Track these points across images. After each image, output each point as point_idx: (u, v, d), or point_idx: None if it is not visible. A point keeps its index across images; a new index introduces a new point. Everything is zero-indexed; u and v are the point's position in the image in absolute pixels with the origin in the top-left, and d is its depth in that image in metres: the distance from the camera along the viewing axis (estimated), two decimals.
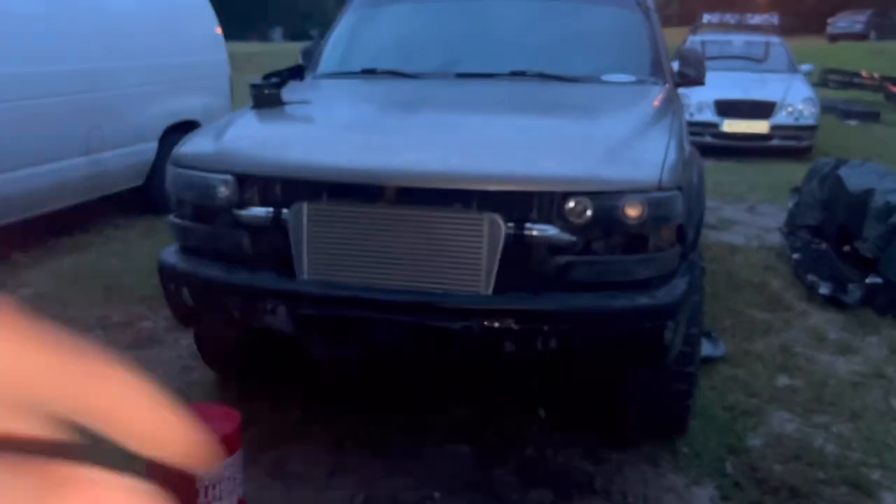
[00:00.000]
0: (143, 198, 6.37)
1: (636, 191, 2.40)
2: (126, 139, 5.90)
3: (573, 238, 2.44)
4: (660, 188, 2.42)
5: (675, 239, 2.54)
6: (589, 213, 2.41)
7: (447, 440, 3.06)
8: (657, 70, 3.68)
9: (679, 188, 2.48)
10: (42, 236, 5.53)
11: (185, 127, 6.23)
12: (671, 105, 3.27)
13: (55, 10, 5.34)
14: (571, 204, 2.42)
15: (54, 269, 4.99)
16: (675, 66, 3.93)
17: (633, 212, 2.39)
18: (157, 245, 5.46)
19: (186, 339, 3.90)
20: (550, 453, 2.97)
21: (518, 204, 2.45)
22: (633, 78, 3.58)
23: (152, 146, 6.23)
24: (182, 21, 6.70)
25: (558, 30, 3.92)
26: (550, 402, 3.31)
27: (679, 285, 2.52)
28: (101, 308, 4.34)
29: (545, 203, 2.45)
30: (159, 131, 6.29)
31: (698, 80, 3.85)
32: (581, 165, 2.47)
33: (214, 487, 2.19)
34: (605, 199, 2.41)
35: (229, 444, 2.25)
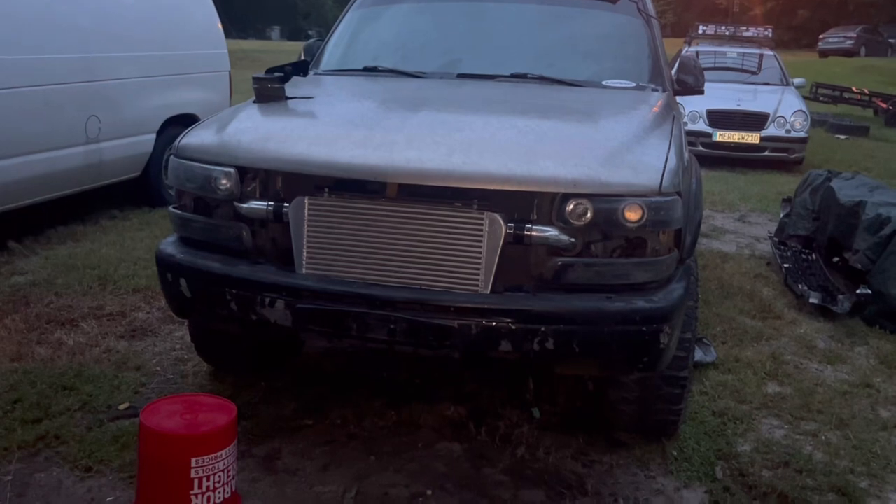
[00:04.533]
0: (139, 189, 6.36)
1: (636, 195, 2.43)
2: (124, 130, 5.88)
3: (572, 240, 2.46)
4: (660, 193, 2.44)
5: (673, 244, 2.57)
6: (589, 215, 2.43)
7: (439, 438, 3.07)
8: (657, 77, 3.71)
9: (678, 193, 2.51)
10: (38, 225, 5.51)
11: (184, 120, 6.23)
12: (671, 111, 3.30)
13: None
14: (571, 206, 2.44)
15: (49, 258, 4.97)
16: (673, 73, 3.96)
17: (632, 215, 2.41)
18: (153, 237, 5.49)
19: (180, 331, 3.90)
20: (542, 454, 2.99)
21: (518, 204, 2.46)
22: (632, 84, 3.60)
23: (150, 138, 6.21)
24: (183, 14, 6.69)
25: (559, 34, 3.94)
26: (543, 402, 3.34)
27: (676, 290, 2.55)
28: (95, 297, 4.33)
29: (545, 204, 2.47)
30: (157, 123, 6.27)
31: (697, 89, 3.88)
32: (582, 168, 2.48)
33: (208, 479, 2.19)
34: (606, 201, 2.43)
35: (224, 435, 2.25)
